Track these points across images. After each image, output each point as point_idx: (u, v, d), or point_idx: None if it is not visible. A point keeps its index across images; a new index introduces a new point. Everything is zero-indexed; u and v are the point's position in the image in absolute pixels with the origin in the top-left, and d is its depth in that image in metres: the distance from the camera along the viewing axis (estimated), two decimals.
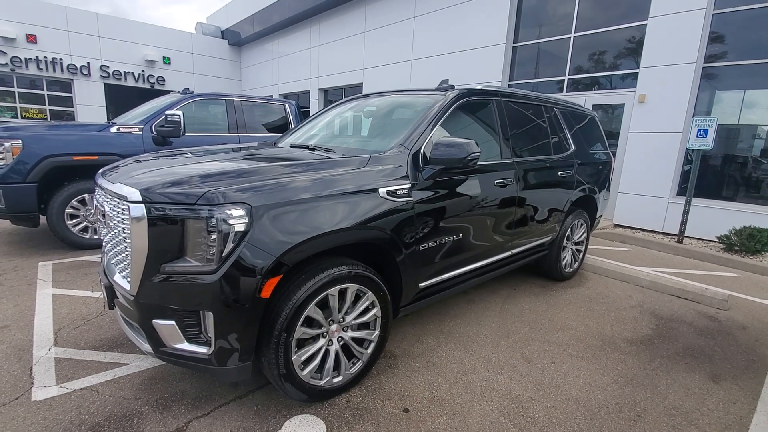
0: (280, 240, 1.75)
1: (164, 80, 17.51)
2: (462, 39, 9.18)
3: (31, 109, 15.49)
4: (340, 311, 2.07)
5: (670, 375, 2.51)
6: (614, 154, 7.07)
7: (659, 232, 6.44)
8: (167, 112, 4.58)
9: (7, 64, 14.41)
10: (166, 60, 17.50)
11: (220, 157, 2.42)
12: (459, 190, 2.56)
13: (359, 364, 2.23)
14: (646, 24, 6.42)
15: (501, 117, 3.05)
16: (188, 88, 5.48)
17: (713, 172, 6.27)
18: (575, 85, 7.71)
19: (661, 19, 6.20)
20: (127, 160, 2.56)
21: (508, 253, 3.17)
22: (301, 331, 1.91)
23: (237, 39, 18.53)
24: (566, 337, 2.92)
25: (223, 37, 19.27)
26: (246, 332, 1.76)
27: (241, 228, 1.67)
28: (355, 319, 2.15)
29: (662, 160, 6.36)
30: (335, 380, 2.13)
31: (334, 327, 2.08)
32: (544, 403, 2.18)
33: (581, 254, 4.23)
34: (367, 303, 2.17)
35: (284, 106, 6.07)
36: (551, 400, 2.20)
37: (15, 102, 15.21)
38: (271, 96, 15.21)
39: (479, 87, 2.99)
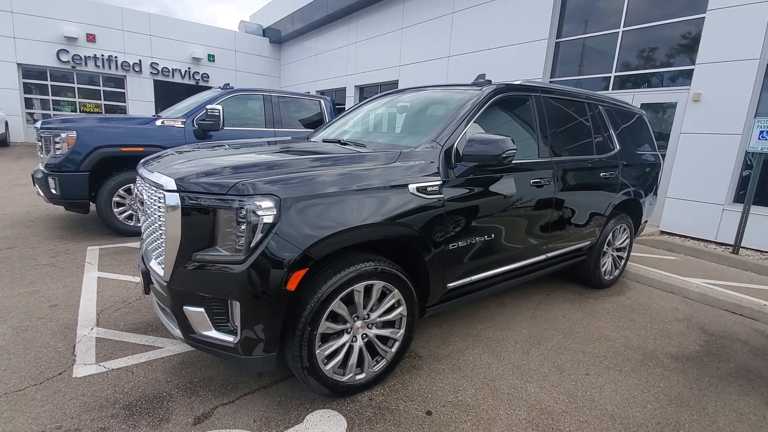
0: (307, 233, 1.74)
1: (208, 77, 18.24)
2: (501, 35, 8.92)
3: (88, 103, 16.61)
4: (365, 308, 2.05)
5: (720, 397, 2.31)
6: (663, 156, 6.65)
7: (711, 242, 5.99)
8: (208, 106, 4.74)
9: (68, 61, 15.52)
10: (211, 57, 18.23)
11: (255, 149, 2.45)
12: (492, 188, 2.47)
13: (383, 363, 2.20)
14: (703, 17, 5.97)
15: (540, 114, 2.92)
16: (228, 84, 5.64)
17: None
18: (622, 83, 7.30)
19: (721, 12, 5.74)
20: (168, 150, 2.65)
21: (543, 257, 3.03)
22: (325, 326, 1.90)
23: (278, 37, 18.98)
24: (603, 348, 2.75)
25: (264, 35, 19.81)
26: (271, 323, 1.77)
27: (269, 219, 1.68)
28: (380, 316, 2.12)
29: (717, 164, 5.90)
30: (358, 377, 2.10)
31: (358, 323, 2.06)
32: (577, 416, 2.06)
33: (623, 261, 3.99)
34: (393, 301, 2.13)
35: (320, 102, 6.14)
36: (584, 414, 2.08)
37: (75, 97, 16.37)
38: (308, 92, 15.49)
39: (518, 82, 2.87)
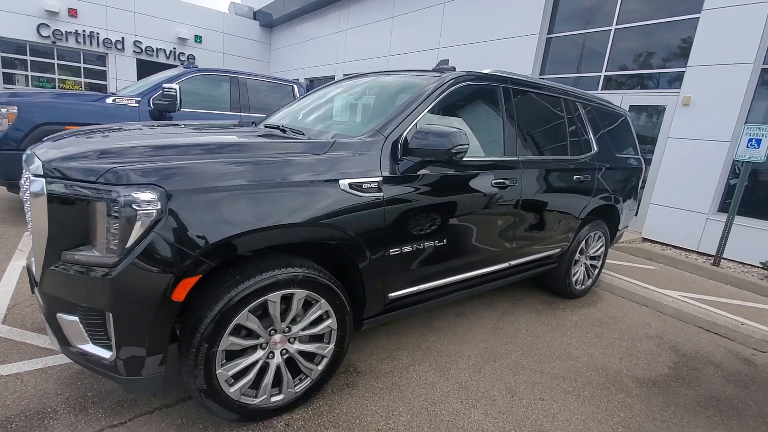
0: (201, 234, 1.45)
1: (194, 59, 17.62)
2: (492, 28, 8.61)
3: (68, 81, 15.97)
4: (283, 321, 1.77)
5: (685, 430, 2.08)
6: (650, 161, 6.44)
7: (693, 251, 5.80)
8: (164, 85, 4.38)
9: (49, 36, 14.85)
10: (198, 38, 17.61)
11: (174, 131, 2.14)
12: (445, 188, 2.19)
13: (307, 382, 1.93)
14: (698, 17, 5.71)
15: (508, 108, 2.63)
16: (192, 60, 5.27)
17: (764, 189, 5.55)
18: (612, 83, 7.05)
19: (717, 12, 5.49)
20: (84, 129, 2.33)
21: (506, 265, 2.77)
22: (228, 342, 1.62)
23: (268, 20, 18.42)
24: (563, 368, 2.51)
25: (254, 18, 19.22)
26: (154, 340, 1.48)
27: (150, 215, 1.38)
28: (303, 330, 1.85)
29: (704, 171, 5.69)
30: (274, 399, 1.83)
31: (277, 338, 1.78)
32: None
33: (596, 270, 3.76)
34: (320, 312, 1.85)
35: (292, 87, 5.79)
36: None
37: (54, 74, 15.71)
38: (297, 79, 15.06)
39: (485, 71, 2.58)
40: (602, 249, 3.69)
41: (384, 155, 1.96)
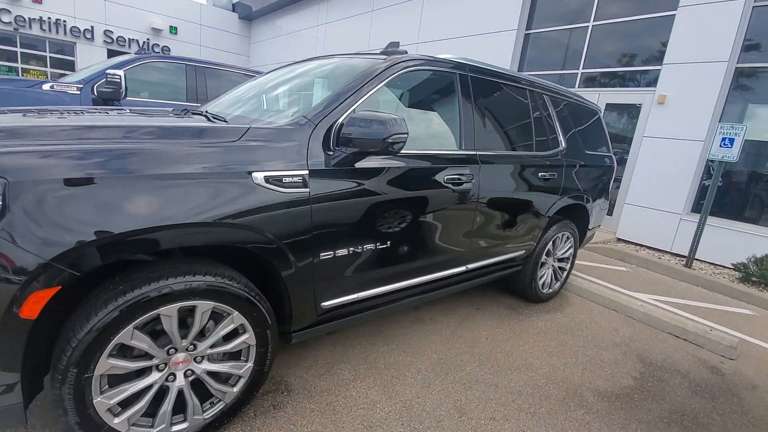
0: (57, 236, 1.17)
1: (169, 50, 17.01)
2: (471, 23, 8.43)
3: (33, 70, 15.22)
4: (185, 337, 1.51)
5: None
6: (625, 160, 6.35)
7: (667, 252, 5.72)
8: (108, 71, 4.03)
9: (10, 23, 14.09)
10: (173, 29, 17.00)
11: (66, 116, 1.85)
12: (387, 183, 1.95)
13: (220, 406, 1.67)
14: (674, 14, 5.62)
15: (465, 97, 2.41)
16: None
17: (737, 190, 5.50)
18: (589, 81, 6.94)
19: (692, 9, 5.39)
20: None
21: (463, 268, 2.55)
22: (108, 365, 1.35)
23: (248, 12, 17.93)
24: (521, 382, 2.31)
25: (234, 10, 18.68)
26: (3, 365, 1.20)
27: None
28: (213, 347, 1.59)
29: (678, 171, 5.60)
30: (177, 428, 1.57)
31: (179, 357, 1.52)
32: None
33: (565, 273, 3.58)
34: (233, 327, 1.60)
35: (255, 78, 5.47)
36: None
37: (17, 62, 14.94)
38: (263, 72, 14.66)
39: (441, 56, 2.35)
40: (571, 250, 3.52)
41: (312, 145, 1.71)
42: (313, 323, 1.93)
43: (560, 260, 3.50)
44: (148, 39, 16.50)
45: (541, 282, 3.31)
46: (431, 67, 2.27)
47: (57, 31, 14.95)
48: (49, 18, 14.72)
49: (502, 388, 2.22)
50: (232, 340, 1.63)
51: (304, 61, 2.70)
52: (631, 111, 6.43)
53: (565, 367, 2.51)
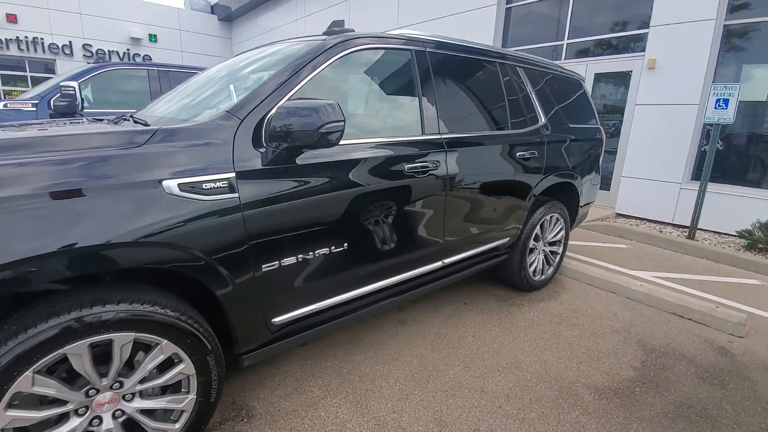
0: None
1: (151, 59, 16.75)
2: (451, 3, 8.11)
3: (15, 91, 15.02)
4: (105, 375, 1.31)
5: None
6: (618, 131, 6.09)
7: (669, 224, 5.48)
8: (61, 84, 3.82)
9: None
10: (152, 37, 16.71)
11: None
12: (337, 179, 1.74)
13: None
14: None
15: (425, 76, 2.17)
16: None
17: (737, 153, 5.23)
18: (577, 52, 6.64)
19: None
20: None
21: (439, 264, 2.34)
22: (8, 419, 1.16)
23: (227, 13, 17.60)
24: (510, 383, 2.11)
25: (213, 12, 18.33)
26: None
27: None
28: (143, 382, 1.40)
29: (674, 138, 5.34)
30: None
31: (105, 396, 1.33)
32: None
33: (557, 257, 3.36)
34: (163, 357, 1.40)
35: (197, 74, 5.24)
36: None
37: None
38: None
39: (392, 33, 2.12)
40: (562, 233, 3.30)
41: (239, 144, 1.50)
42: (267, 342, 1.73)
43: (551, 244, 3.28)
44: (128, 49, 16.25)
45: (531, 269, 3.10)
46: (382, 45, 2.04)
47: (35, 50, 14.74)
48: (26, 37, 14.51)
49: (488, 393, 2.03)
50: (167, 372, 1.44)
51: (245, 52, 2.47)
52: (622, 79, 6.15)
53: (558, 363, 2.31)
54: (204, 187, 1.39)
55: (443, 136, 2.19)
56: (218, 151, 1.45)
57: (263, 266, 1.57)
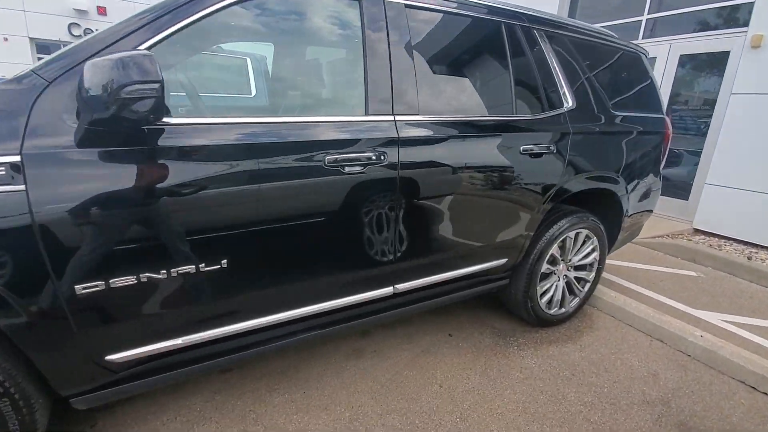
0: None
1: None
2: None
3: None
4: None
5: None
6: (706, 126, 4.89)
7: (763, 247, 4.25)
8: None
9: None
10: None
11: None
12: (202, 171, 1.25)
13: None
14: None
15: (376, 35, 1.58)
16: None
17: None
18: (658, 29, 5.45)
19: None
20: None
21: (389, 290, 1.75)
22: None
23: None
24: None
25: None
26: None
27: None
28: None
29: None
30: None
31: None
32: None
33: (586, 285, 2.58)
34: None
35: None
36: None
37: None
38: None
39: None
40: (595, 254, 2.50)
41: (39, 115, 1.07)
42: (110, 383, 1.31)
43: (577, 268, 2.51)
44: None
45: (544, 300, 2.37)
46: None
47: None
48: None
49: None
50: None
51: None
52: (713, 63, 4.90)
53: None
54: None
55: (397, 118, 1.59)
56: (14, 124, 1.03)
57: (78, 288, 1.13)
